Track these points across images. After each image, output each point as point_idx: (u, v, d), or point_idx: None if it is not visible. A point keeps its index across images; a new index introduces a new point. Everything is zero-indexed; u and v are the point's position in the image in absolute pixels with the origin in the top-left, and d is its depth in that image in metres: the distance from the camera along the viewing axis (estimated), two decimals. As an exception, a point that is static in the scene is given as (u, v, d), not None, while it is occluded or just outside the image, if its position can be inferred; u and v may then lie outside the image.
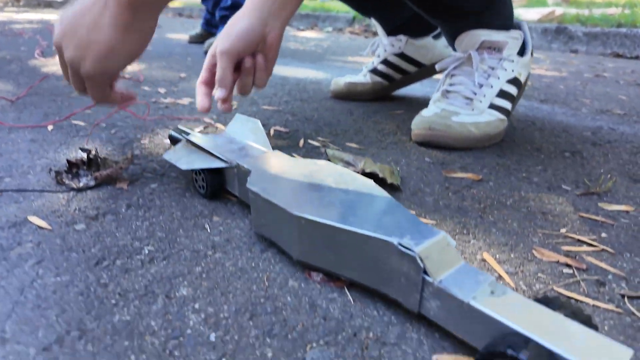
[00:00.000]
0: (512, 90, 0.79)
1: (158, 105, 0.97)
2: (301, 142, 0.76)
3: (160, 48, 2.00)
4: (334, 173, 0.44)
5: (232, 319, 0.34)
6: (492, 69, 0.77)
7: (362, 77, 1.07)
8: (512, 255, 0.44)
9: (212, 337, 0.32)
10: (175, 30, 2.96)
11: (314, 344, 0.32)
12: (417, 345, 0.32)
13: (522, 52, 0.80)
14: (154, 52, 1.88)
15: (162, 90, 1.14)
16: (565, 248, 0.45)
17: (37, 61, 1.56)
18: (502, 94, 0.78)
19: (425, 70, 1.06)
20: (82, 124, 0.81)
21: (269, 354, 0.31)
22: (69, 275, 0.39)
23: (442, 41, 1.03)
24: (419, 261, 0.31)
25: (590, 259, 0.44)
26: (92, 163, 0.59)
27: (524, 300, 0.29)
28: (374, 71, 1.06)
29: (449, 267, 0.32)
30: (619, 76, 1.61)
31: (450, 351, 0.31)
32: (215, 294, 0.37)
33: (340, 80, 1.09)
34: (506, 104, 0.78)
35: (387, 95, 1.11)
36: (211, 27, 2.19)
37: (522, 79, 0.80)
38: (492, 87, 0.77)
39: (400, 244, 0.32)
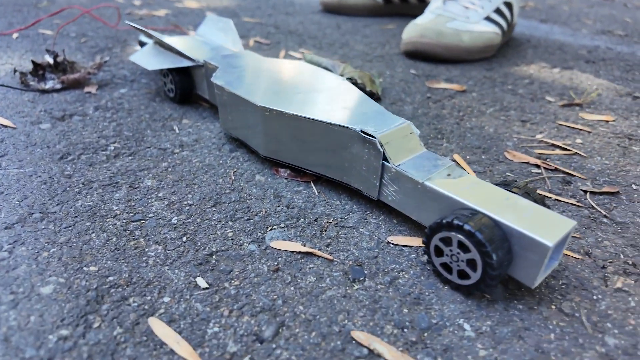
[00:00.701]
0: (507, 13, 0.76)
1: (132, 17, 0.92)
2: (282, 53, 0.73)
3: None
4: (306, 70, 0.42)
5: (195, 206, 0.34)
6: None
7: None
8: (483, 157, 0.44)
9: (174, 220, 0.32)
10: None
11: (275, 227, 0.32)
12: (374, 228, 0.32)
13: None
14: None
15: (136, 2, 1.07)
16: (538, 151, 0.45)
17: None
18: (499, 11, 0.75)
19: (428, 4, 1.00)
20: (49, 32, 0.77)
21: (230, 234, 0.31)
22: (32, 167, 0.38)
23: None
24: (379, 146, 0.31)
25: (560, 161, 0.43)
26: (59, 67, 0.56)
27: (479, 181, 0.29)
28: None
29: (410, 154, 0.32)
30: (628, 0, 1.53)
31: (405, 234, 0.32)
32: (180, 185, 0.37)
33: None
34: (502, 21, 0.75)
35: (381, 14, 1.05)
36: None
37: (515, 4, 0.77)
38: (491, 1, 0.73)
39: (362, 131, 0.32)
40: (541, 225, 0.25)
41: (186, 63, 0.48)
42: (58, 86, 0.54)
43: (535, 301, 0.27)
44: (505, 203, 0.27)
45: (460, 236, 0.25)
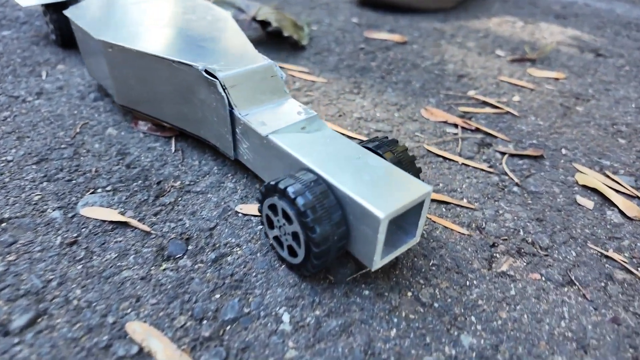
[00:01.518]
0: None
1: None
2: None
3: None
4: (187, 5, 0.35)
5: (14, 163, 0.28)
6: None
7: None
8: (395, 115, 0.37)
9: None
10: None
11: (99, 190, 0.26)
12: (226, 194, 0.27)
13: None
14: None
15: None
16: (463, 109, 0.39)
17: None
18: None
19: None
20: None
21: (36, 198, 0.25)
22: None
23: None
24: (221, 90, 0.24)
25: (486, 121, 0.37)
26: None
27: (335, 137, 0.23)
28: None
29: (266, 102, 0.25)
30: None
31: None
32: (9, 138, 0.30)
33: None
34: None
35: None
36: None
37: None
38: None
39: (206, 70, 0.25)
40: (383, 192, 0.19)
41: (59, -2, 0.41)
42: None
43: (387, 286, 0.21)
44: (353, 164, 0.21)
45: (282, 203, 0.19)
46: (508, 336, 0.20)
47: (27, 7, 0.50)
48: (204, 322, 0.19)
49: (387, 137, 0.24)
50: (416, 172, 0.23)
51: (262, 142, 0.24)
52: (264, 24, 0.48)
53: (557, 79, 0.46)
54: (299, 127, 0.24)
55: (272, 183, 0.20)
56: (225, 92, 0.24)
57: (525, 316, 0.21)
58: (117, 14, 0.33)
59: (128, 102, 0.31)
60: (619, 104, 0.42)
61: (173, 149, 0.30)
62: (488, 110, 0.39)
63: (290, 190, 0.19)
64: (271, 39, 0.50)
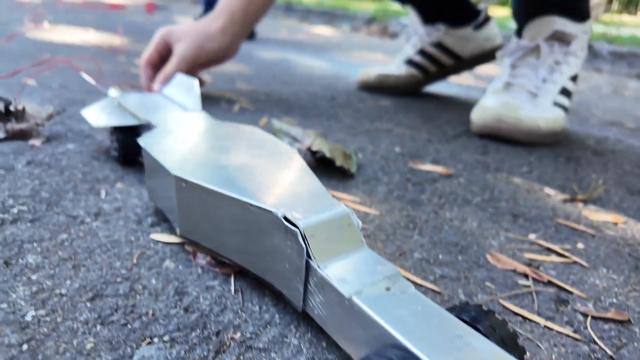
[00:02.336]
0: (572, 87, 0.74)
1: (127, 74, 0.91)
2: (263, 121, 0.68)
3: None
4: (253, 138, 0.37)
5: (67, 298, 0.26)
6: (557, 63, 0.72)
7: (396, 69, 1.00)
8: (458, 258, 0.35)
9: (29, 316, 0.25)
10: (184, 12, 2.93)
11: (155, 339, 0.24)
12: (291, 354, 0.24)
13: None
14: (151, 31, 1.83)
15: (138, 62, 1.08)
16: (529, 256, 0.37)
17: (22, 28, 1.52)
18: (564, 91, 0.73)
19: (463, 64, 0.99)
20: (34, 84, 0.75)
21: (88, 346, 0.23)
22: None
23: (483, 32, 0.96)
24: (301, 240, 0.23)
25: (555, 271, 0.35)
26: (10, 115, 0.52)
27: (426, 305, 0.21)
28: (410, 62, 0.99)
29: (343, 253, 0.24)
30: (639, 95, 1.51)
31: (334, 365, 0.23)
32: (65, 266, 0.29)
33: (371, 71, 1.00)
34: (566, 102, 0.73)
35: (419, 90, 1.03)
36: (212, 8, 2.15)
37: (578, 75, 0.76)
38: (555, 83, 0.71)
39: (285, 217, 0.24)
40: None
41: (131, 121, 0.43)
42: (1, 135, 0.49)
43: None
44: (454, 345, 0.18)
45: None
46: None
47: (97, 127, 0.53)
48: None
49: (480, 306, 0.22)
50: (521, 355, 0.20)
51: (342, 302, 0.22)
52: (318, 154, 0.49)
53: (615, 223, 0.45)
54: (383, 287, 0.22)
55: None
56: (304, 241, 0.23)
57: None
58: (188, 146, 0.34)
59: (192, 235, 0.31)
60: (691, 257, 0.40)
61: (232, 289, 0.29)
62: (554, 258, 0.37)
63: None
64: (320, 166, 0.51)
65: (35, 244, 0.31)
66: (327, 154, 0.47)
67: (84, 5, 2.68)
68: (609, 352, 0.27)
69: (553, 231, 0.42)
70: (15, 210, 0.35)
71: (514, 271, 0.34)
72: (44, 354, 0.22)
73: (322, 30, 2.89)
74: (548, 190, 0.52)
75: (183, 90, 0.50)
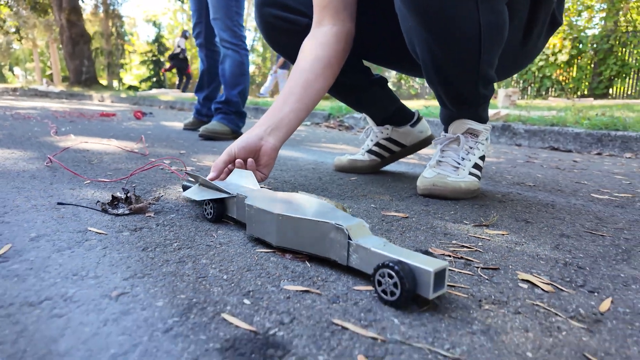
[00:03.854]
0: (481, 163, 1.14)
1: (165, 171, 1.23)
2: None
3: (159, 132, 2.31)
4: (304, 197, 0.69)
5: (236, 273, 0.55)
6: (471, 148, 1.11)
7: (361, 156, 1.41)
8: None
9: (225, 277, 0.53)
10: (169, 119, 3.33)
11: (285, 280, 0.53)
12: (346, 281, 0.54)
13: None
14: (154, 135, 2.17)
15: (167, 161, 1.40)
16: (452, 249, 0.69)
17: (53, 138, 1.82)
18: (476, 165, 1.12)
19: (406, 150, 1.42)
20: (106, 180, 1.05)
21: (250, 288, 0.52)
22: (126, 253, 0.60)
23: (418, 127, 1.40)
24: (346, 231, 0.55)
25: (465, 253, 0.67)
26: (128, 199, 0.81)
27: (401, 249, 0.52)
28: (370, 151, 1.41)
29: (362, 236, 0.56)
30: (545, 162, 1.96)
31: (366, 284, 0.53)
32: (224, 263, 0.58)
33: (343, 158, 1.42)
34: (477, 172, 1.12)
35: (379, 169, 1.44)
36: (202, 116, 2.55)
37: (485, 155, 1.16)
38: (470, 160, 1.10)
39: (337, 224, 0.56)
40: (426, 262, 0.48)
41: (225, 195, 0.74)
42: (127, 212, 0.78)
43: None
44: (414, 257, 0.50)
45: (388, 270, 0.48)
46: None
47: (200, 200, 0.82)
48: None
49: (423, 249, 0.54)
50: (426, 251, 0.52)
51: (366, 252, 0.53)
52: (328, 207, 0.81)
53: (503, 234, 0.79)
54: (382, 245, 0.53)
55: (385, 263, 0.48)
56: (347, 232, 0.55)
57: None
58: (271, 199, 0.66)
59: (283, 244, 0.61)
60: (538, 245, 0.73)
61: (308, 265, 0.59)
62: (466, 249, 0.69)
63: (397, 267, 0.47)
64: (329, 216, 0.83)
65: (203, 256, 0.60)
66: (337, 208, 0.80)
67: (79, 115, 3.02)
68: (485, 278, 0.58)
69: (466, 239, 0.75)
70: (175, 245, 0.64)
71: (443, 255, 0.66)
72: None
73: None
74: (465, 221, 0.86)
75: (242, 177, 0.83)
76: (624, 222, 0.90)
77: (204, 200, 0.77)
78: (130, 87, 18.24)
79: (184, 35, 11.15)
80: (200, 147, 1.86)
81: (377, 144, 1.38)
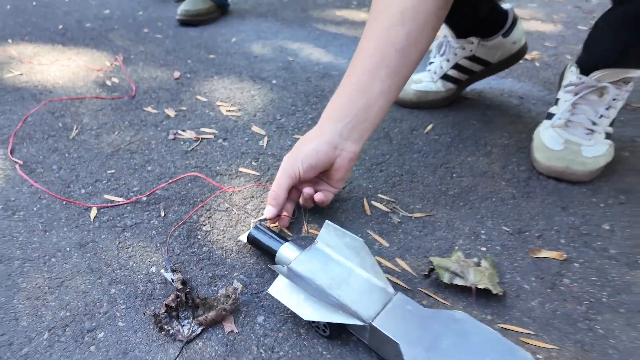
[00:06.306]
0: (616, 116, 0.81)
1: (178, 141, 0.88)
2: (366, 206, 0.73)
3: (120, 14, 1.73)
4: (480, 333, 0.45)
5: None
6: (615, 100, 0.78)
7: (433, 85, 1.03)
8: None
9: None
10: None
11: None
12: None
13: None
14: (116, 19, 1.62)
15: (170, 113, 1.02)
16: None
17: None
18: (612, 123, 0.80)
19: (491, 69, 1.03)
20: (117, 201, 0.73)
21: None
22: None
23: (511, 37, 0.99)
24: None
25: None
26: (189, 300, 0.54)
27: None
28: (445, 77, 1.02)
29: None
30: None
31: None
32: None
33: (408, 88, 1.03)
34: (611, 130, 0.80)
35: (452, 100, 1.07)
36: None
37: None
38: (609, 117, 0.78)
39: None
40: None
41: (352, 321, 0.47)
42: (197, 329, 0.52)
43: None
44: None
45: None
46: None
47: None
48: None
49: None
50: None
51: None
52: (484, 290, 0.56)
53: None
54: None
55: None
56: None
57: None
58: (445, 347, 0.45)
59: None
60: None
61: None
62: None
63: None
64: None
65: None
66: (492, 290, 0.55)
67: None
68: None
69: None
70: None
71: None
72: None
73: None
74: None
75: (344, 244, 0.53)
76: None
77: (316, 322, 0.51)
78: None
79: None
80: (193, 51, 1.39)
81: (457, 66, 1.01)
